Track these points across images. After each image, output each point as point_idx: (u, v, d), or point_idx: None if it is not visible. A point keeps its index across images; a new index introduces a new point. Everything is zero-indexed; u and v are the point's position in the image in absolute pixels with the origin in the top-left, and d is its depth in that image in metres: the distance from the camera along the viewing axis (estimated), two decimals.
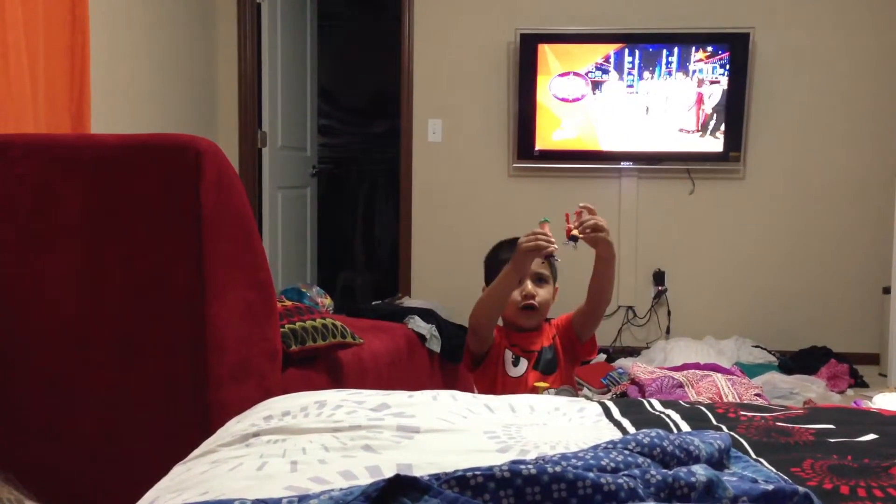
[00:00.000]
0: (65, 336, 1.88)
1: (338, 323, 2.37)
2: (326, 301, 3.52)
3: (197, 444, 1.28)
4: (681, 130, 4.62)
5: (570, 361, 2.25)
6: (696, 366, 3.62)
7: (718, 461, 1.07)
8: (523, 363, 2.19)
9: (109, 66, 3.58)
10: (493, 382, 2.20)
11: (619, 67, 4.60)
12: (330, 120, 6.63)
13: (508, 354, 2.20)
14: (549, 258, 2.06)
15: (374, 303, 4.84)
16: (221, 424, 1.38)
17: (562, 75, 4.63)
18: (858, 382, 4.16)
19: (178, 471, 1.17)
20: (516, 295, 2.17)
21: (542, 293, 2.19)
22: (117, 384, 1.87)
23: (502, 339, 2.23)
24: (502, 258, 2.18)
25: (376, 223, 6.71)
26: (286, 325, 2.16)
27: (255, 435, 1.23)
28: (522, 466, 0.87)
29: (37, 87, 2.84)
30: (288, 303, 2.38)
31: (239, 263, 1.91)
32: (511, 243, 2.21)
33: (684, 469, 0.93)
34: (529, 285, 2.17)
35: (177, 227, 1.81)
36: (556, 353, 2.23)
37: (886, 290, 4.32)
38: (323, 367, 2.32)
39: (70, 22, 3.03)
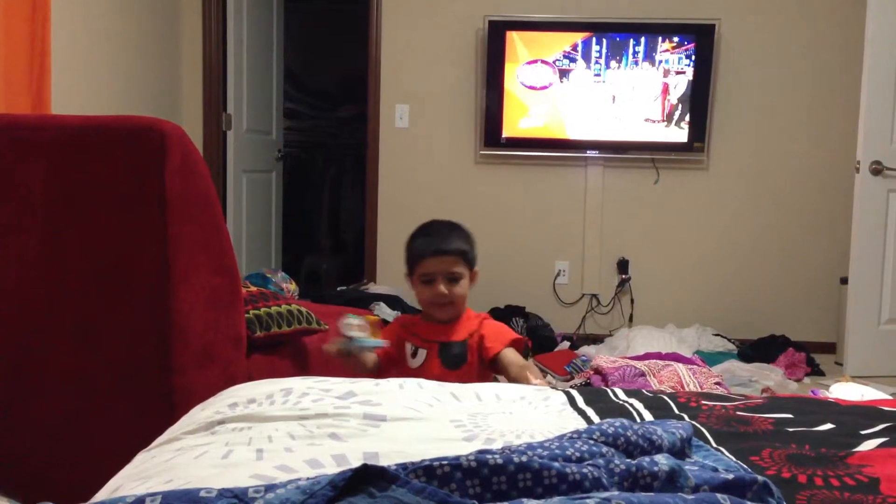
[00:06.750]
0: (25, 321, 1.85)
1: (303, 309, 2.37)
2: (291, 286, 3.50)
3: (161, 431, 1.27)
4: (646, 120, 4.65)
5: (481, 363, 2.17)
6: (658, 355, 3.66)
7: (680, 450, 1.08)
8: (422, 353, 2.16)
9: (70, 46, 3.51)
10: (400, 375, 2.16)
11: (586, 56, 4.61)
12: (296, 104, 6.56)
13: (408, 347, 2.18)
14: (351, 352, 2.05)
15: (339, 288, 4.84)
16: (186, 410, 1.37)
17: (529, 63, 4.63)
18: (815, 371, 4.23)
19: (141, 458, 1.16)
20: (428, 294, 2.13)
21: (457, 290, 2.13)
22: (79, 370, 1.84)
23: (402, 332, 2.21)
24: (414, 249, 2.15)
25: (342, 208, 6.67)
26: (251, 311, 2.15)
27: (220, 422, 1.22)
28: (489, 456, 0.88)
29: None
30: (253, 288, 2.37)
31: (204, 248, 1.90)
32: (427, 230, 2.18)
33: (647, 458, 0.95)
34: (441, 287, 2.11)
35: (141, 211, 1.79)
36: (466, 350, 2.16)
37: (844, 281, 4.41)
38: (288, 353, 2.32)
39: (30, 1, 2.96)
